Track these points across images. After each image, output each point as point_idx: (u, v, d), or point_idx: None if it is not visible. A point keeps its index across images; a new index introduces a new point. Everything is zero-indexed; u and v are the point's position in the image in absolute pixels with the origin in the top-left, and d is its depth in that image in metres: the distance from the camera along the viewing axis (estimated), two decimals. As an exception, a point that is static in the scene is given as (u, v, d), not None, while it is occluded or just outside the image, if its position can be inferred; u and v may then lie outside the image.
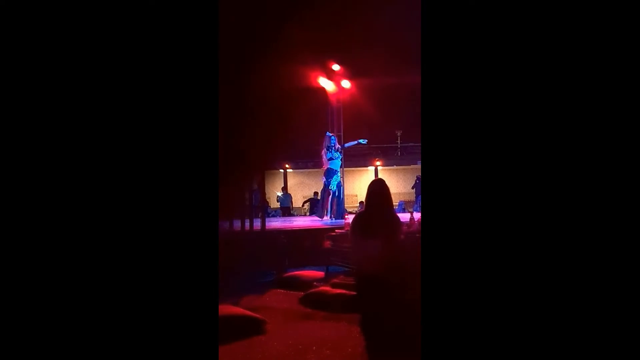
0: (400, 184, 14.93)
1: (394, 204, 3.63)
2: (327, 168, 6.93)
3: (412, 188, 12.52)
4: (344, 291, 3.53)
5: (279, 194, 12.78)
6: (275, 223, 7.25)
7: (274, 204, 12.94)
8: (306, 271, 4.38)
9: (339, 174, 7.03)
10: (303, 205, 13.26)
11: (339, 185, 7.07)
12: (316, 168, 6.95)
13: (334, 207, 7.09)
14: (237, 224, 5.23)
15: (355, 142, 7.31)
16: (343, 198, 7.36)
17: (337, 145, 6.96)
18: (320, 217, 7.12)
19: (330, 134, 7.06)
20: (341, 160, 7.09)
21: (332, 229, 5.06)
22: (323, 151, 6.94)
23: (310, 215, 10.51)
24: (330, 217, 7.04)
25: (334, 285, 3.80)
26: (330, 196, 6.99)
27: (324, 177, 7.05)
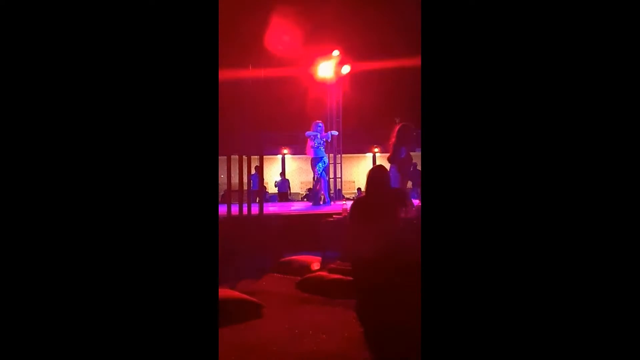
0: (398, 170, 14.92)
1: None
2: (312, 157, 7.00)
3: (409, 175, 12.47)
4: (340, 276, 3.54)
5: (277, 179, 12.77)
6: (272, 208, 7.25)
7: (272, 189, 12.95)
8: (303, 256, 4.39)
9: (323, 160, 7.04)
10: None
11: (325, 169, 7.13)
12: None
13: (323, 192, 7.16)
14: (235, 208, 5.24)
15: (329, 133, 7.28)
16: (327, 184, 7.40)
17: (323, 135, 7.00)
18: (315, 205, 7.15)
19: (318, 123, 7.04)
20: (324, 148, 7.08)
21: (329, 215, 5.06)
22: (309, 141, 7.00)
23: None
24: (319, 203, 7.11)
25: (331, 271, 3.81)
26: (321, 183, 7.05)
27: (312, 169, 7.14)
